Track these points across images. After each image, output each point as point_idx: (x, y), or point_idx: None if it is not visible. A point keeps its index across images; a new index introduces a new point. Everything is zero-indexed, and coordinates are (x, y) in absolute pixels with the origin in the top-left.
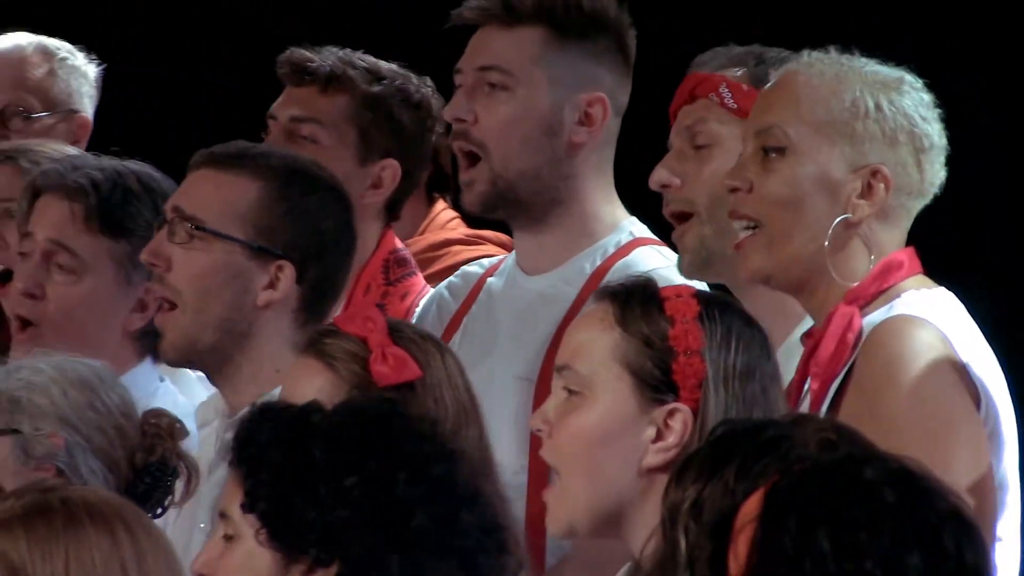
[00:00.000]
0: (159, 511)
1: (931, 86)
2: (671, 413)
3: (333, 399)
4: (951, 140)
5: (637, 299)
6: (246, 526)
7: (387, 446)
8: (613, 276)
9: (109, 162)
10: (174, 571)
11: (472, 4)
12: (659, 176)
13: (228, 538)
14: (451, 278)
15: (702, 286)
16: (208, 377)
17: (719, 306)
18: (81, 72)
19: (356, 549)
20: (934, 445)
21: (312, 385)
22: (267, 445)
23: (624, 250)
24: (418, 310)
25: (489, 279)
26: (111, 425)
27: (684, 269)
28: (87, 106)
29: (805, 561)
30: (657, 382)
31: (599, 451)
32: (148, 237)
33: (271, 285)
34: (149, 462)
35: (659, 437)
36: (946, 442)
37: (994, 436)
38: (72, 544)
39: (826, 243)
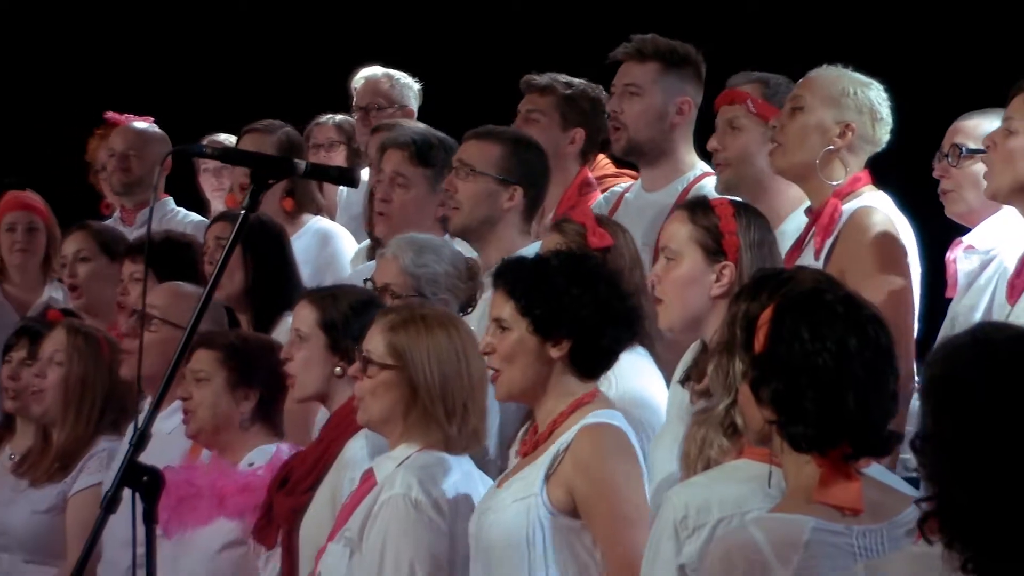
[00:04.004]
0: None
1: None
2: (723, 267)
3: None
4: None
5: (700, 207)
6: (517, 321)
7: (586, 270)
8: (694, 191)
9: (422, 128)
10: (480, 354)
11: (619, 50)
12: (712, 144)
13: (502, 330)
14: (605, 194)
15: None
16: (471, 245)
17: (743, 207)
18: (408, 85)
19: (583, 326)
20: (893, 282)
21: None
22: (528, 276)
23: (698, 179)
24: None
25: (626, 195)
26: (464, 292)
27: (719, 190)
28: (413, 104)
29: (794, 343)
30: (715, 251)
31: (687, 289)
32: (443, 167)
33: (511, 198)
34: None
35: (718, 280)
36: (901, 283)
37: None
38: (429, 338)
39: (817, 160)
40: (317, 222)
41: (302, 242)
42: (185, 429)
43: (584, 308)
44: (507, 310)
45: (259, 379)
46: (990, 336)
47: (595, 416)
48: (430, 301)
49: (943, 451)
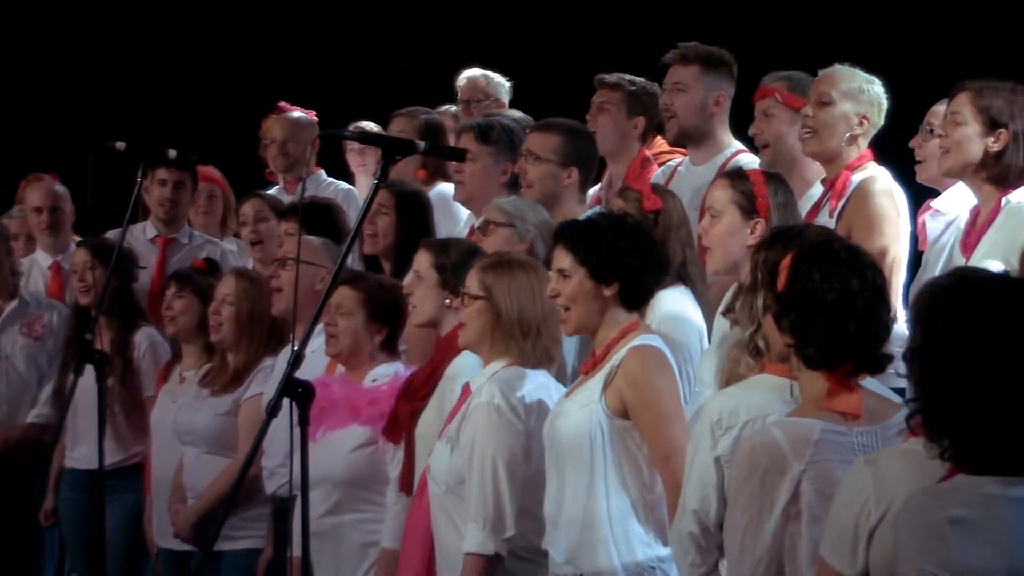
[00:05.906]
0: None
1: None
2: (756, 223)
3: None
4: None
5: (737, 175)
6: (576, 269)
7: (628, 228)
8: (731, 164)
9: (493, 117)
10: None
11: (668, 56)
12: (752, 130)
13: (564, 277)
14: (662, 168)
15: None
16: None
17: (772, 175)
18: (501, 83)
19: (629, 271)
20: (889, 236)
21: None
22: (584, 234)
23: (734, 155)
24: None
25: (679, 168)
26: (549, 235)
27: (764, 166)
28: (504, 98)
29: (808, 283)
30: (750, 209)
31: (728, 240)
32: (502, 144)
33: (569, 177)
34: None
35: (752, 232)
36: (895, 234)
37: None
38: (511, 276)
39: (843, 143)
40: (441, 187)
41: None
42: (326, 349)
43: (629, 256)
44: (567, 261)
45: (389, 319)
46: (966, 275)
47: (641, 340)
48: (517, 230)
49: (929, 363)
